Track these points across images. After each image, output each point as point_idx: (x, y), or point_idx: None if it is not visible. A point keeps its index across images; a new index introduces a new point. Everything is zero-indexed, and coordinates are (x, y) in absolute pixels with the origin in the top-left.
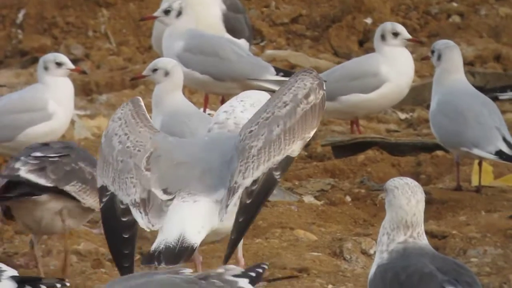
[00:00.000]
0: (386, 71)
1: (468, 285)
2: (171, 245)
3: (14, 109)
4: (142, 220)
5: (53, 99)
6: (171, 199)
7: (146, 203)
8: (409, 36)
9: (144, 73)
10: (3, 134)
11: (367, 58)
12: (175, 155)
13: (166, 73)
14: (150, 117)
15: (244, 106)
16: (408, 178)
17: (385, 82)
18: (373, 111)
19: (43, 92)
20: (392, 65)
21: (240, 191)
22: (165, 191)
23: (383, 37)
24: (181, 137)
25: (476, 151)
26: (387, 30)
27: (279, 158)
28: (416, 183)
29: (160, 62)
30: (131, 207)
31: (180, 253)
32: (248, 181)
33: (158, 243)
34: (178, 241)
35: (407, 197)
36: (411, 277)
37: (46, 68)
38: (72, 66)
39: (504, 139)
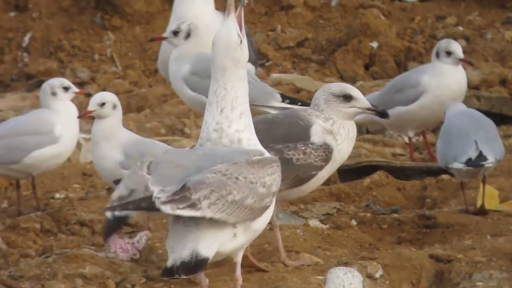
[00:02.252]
0: (426, 82)
1: None
2: (186, 260)
3: (21, 131)
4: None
5: (59, 123)
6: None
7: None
8: (462, 56)
9: (90, 108)
10: (10, 156)
11: (414, 70)
12: (174, 160)
13: (114, 106)
14: None
15: (227, 118)
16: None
17: (423, 92)
18: (421, 124)
19: (50, 115)
20: (435, 76)
21: (198, 213)
22: (162, 190)
23: (437, 55)
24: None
25: (454, 165)
26: (441, 48)
27: None
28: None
29: (107, 95)
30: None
31: (196, 266)
32: (208, 213)
33: (174, 260)
34: (192, 256)
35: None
36: None
37: (54, 94)
38: (76, 89)
39: (477, 149)
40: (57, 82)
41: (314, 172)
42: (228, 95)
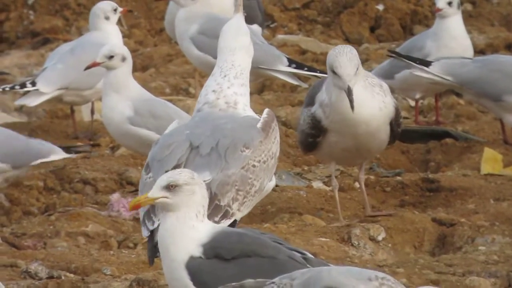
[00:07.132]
0: (430, 45)
1: None
2: None
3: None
4: (145, 229)
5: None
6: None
7: (150, 210)
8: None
9: (98, 60)
10: (86, 83)
11: (420, 34)
12: (167, 141)
13: (124, 59)
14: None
15: (229, 81)
16: None
17: (427, 56)
18: (428, 88)
19: (107, 40)
20: (439, 38)
21: (232, 220)
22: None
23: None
24: (166, 117)
25: None
26: None
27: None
28: None
29: (116, 48)
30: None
31: None
32: (239, 216)
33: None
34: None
35: None
36: None
37: (107, 18)
38: (120, 8)
39: None
40: (108, 6)
41: (310, 140)
42: (234, 69)
